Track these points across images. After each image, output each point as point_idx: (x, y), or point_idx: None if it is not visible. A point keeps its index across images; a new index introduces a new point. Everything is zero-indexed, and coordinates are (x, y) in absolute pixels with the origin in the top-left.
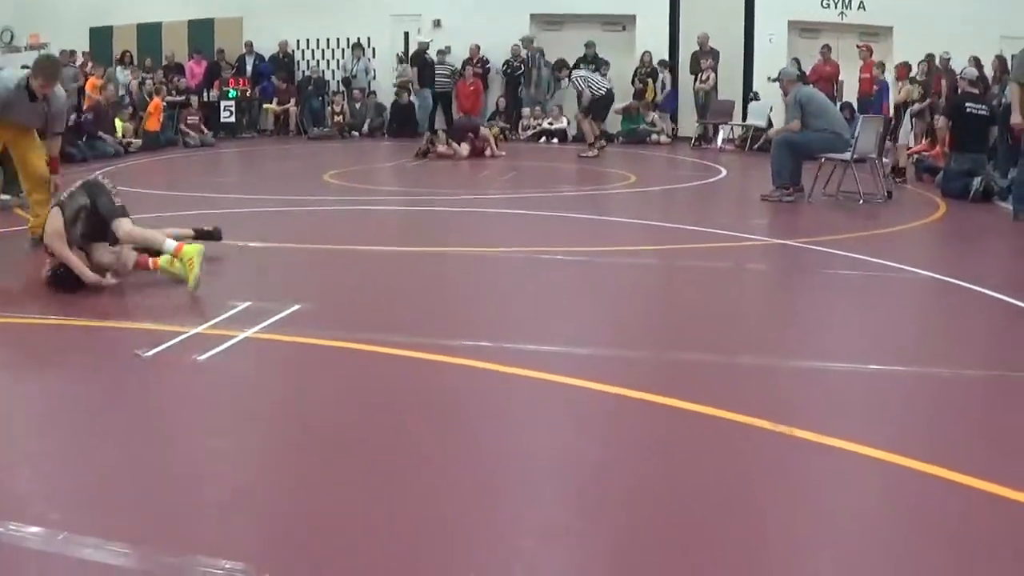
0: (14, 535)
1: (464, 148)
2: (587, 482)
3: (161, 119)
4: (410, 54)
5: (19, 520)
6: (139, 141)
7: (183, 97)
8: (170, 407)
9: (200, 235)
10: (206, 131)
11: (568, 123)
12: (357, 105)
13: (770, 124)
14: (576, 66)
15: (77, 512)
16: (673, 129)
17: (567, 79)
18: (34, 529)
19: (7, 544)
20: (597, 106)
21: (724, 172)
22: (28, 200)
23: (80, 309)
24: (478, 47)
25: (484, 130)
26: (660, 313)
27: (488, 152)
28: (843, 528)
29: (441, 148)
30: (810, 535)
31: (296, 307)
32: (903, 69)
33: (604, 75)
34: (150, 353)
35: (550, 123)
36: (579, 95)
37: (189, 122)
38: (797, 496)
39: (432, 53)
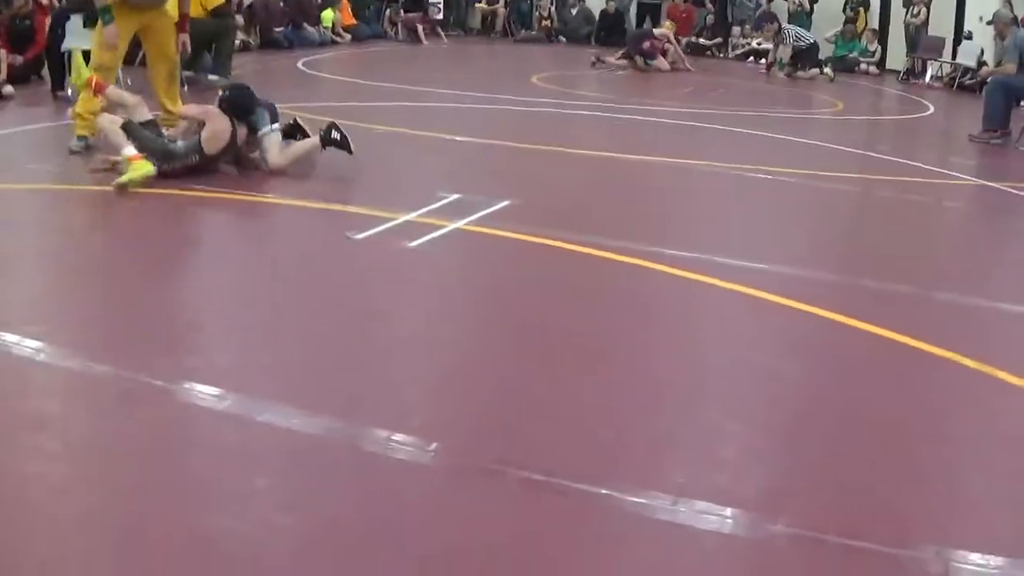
0: (190, 393)
1: (662, 62)
2: (787, 399)
3: (366, 13)
4: None
5: (200, 380)
6: (348, 36)
7: None
8: (379, 289)
9: (327, 142)
10: (437, 29)
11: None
12: (570, 10)
13: (980, 65)
14: None
15: (274, 381)
16: (881, 60)
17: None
18: (212, 389)
19: (183, 402)
20: (802, 57)
21: (931, 109)
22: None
23: (290, 190)
24: None
25: (662, 31)
26: (856, 240)
27: (671, 60)
28: None
29: (611, 59)
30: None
31: (504, 203)
32: None
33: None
34: (361, 236)
35: (759, 43)
36: (781, 44)
37: (406, 18)
38: (1001, 437)
39: None
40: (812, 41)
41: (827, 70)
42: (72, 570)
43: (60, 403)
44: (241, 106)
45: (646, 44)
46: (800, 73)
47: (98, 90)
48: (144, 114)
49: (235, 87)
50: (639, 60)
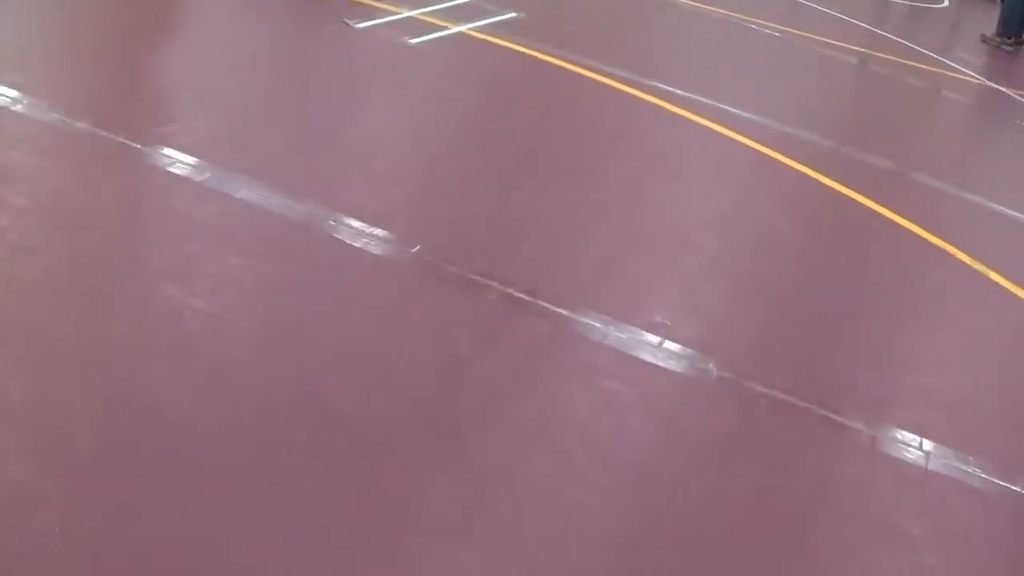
0: (167, 159)
1: None
2: (770, 255)
3: None
4: None
5: (179, 147)
6: None
7: None
8: (374, 82)
9: None
10: None
11: None
12: None
13: None
14: None
15: (256, 159)
16: None
17: None
18: (190, 158)
19: (160, 168)
20: None
21: (946, 2)
22: None
23: None
24: None
25: None
26: (852, 110)
27: None
28: None
29: None
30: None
31: (513, 14)
32: None
33: None
34: (361, 25)
35: None
36: None
37: None
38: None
39: None
40: None
41: None
42: (27, 338)
43: (32, 156)
44: None
45: None
46: None
47: None
48: None
49: None
50: None
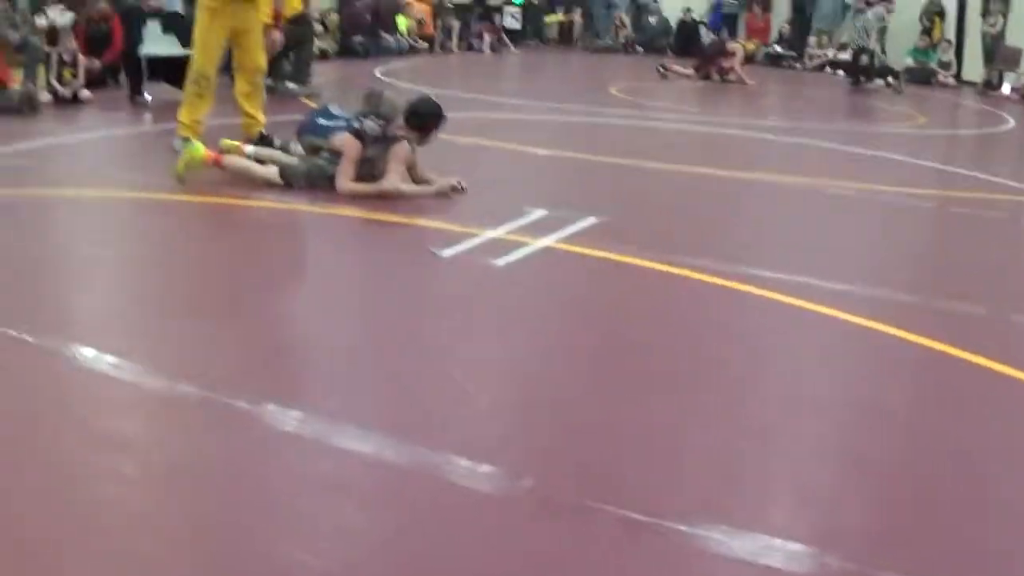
0: (276, 417)
1: (735, 74)
2: (885, 434)
3: (437, 24)
4: None
5: (284, 403)
6: (425, 44)
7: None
8: (468, 309)
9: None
10: (502, 38)
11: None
12: (648, 19)
13: None
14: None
15: (348, 398)
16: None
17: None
18: (296, 413)
19: (269, 426)
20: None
21: (1012, 123)
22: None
23: (371, 203)
24: None
25: (732, 46)
26: (936, 259)
27: (733, 75)
28: None
29: (677, 67)
30: None
31: (591, 219)
32: None
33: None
34: (448, 253)
35: (835, 53)
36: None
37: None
38: None
39: None
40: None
41: (893, 80)
42: None
43: (139, 423)
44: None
45: (721, 59)
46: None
47: (216, 163)
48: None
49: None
50: (713, 73)
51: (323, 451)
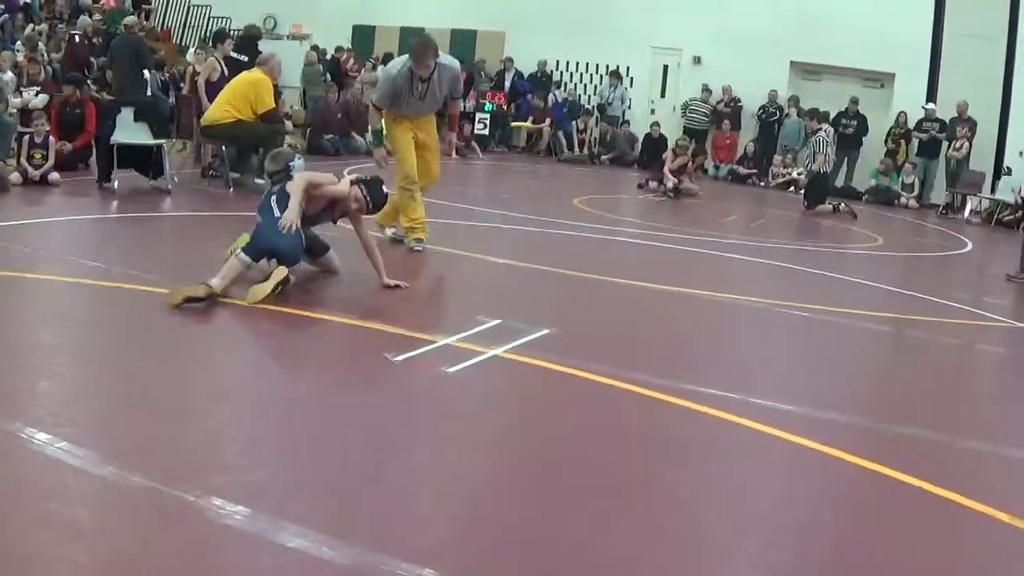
0: (221, 512)
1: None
2: (818, 552)
3: None
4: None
5: (231, 498)
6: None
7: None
8: (416, 415)
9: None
10: (472, 144)
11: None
12: (609, 134)
13: (1020, 203)
14: (836, 121)
15: (294, 497)
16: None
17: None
18: (243, 508)
19: (214, 521)
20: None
21: (969, 245)
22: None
23: (328, 305)
24: (730, 87)
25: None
26: (889, 383)
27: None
28: None
29: (653, 183)
30: None
31: (544, 331)
32: None
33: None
34: (400, 358)
35: (799, 173)
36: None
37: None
38: None
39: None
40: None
41: (844, 208)
42: None
43: (89, 512)
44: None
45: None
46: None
47: None
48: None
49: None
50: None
51: (265, 548)
